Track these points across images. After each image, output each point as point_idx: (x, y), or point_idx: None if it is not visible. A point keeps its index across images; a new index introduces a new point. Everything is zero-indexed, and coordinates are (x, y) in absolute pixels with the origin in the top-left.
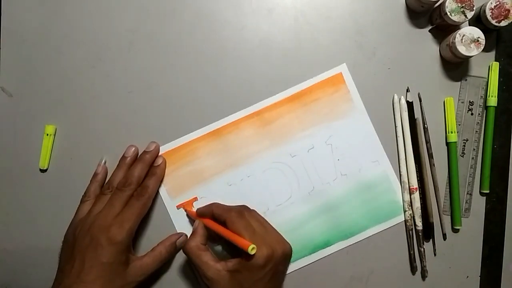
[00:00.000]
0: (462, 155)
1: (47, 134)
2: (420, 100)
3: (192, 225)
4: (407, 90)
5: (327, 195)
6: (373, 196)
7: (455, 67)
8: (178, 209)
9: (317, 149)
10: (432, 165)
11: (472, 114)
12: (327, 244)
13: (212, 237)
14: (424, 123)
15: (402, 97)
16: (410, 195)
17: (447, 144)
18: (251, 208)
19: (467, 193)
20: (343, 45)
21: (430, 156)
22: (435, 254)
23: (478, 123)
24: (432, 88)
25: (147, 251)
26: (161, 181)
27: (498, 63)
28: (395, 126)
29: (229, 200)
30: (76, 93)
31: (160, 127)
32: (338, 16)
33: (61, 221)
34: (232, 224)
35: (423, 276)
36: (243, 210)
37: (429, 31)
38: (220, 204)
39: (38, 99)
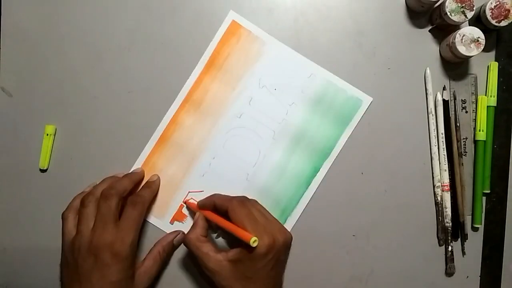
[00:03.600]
0: (465, 153)
1: (47, 134)
2: (455, 99)
3: (193, 219)
4: (444, 89)
5: (289, 129)
6: (328, 105)
7: (455, 67)
8: (172, 223)
9: (256, 96)
10: (460, 164)
11: (466, 112)
12: (315, 171)
13: (212, 228)
14: (456, 122)
15: (439, 93)
16: (442, 193)
17: (475, 142)
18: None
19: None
20: (343, 45)
21: (460, 155)
22: (463, 254)
23: (474, 119)
24: (432, 88)
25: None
26: (154, 197)
27: (497, 63)
28: (428, 123)
29: (210, 189)
30: (76, 93)
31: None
32: (338, 16)
33: (61, 221)
34: (234, 212)
35: (450, 274)
36: (244, 199)
37: (429, 31)
38: (221, 194)
39: (38, 99)
